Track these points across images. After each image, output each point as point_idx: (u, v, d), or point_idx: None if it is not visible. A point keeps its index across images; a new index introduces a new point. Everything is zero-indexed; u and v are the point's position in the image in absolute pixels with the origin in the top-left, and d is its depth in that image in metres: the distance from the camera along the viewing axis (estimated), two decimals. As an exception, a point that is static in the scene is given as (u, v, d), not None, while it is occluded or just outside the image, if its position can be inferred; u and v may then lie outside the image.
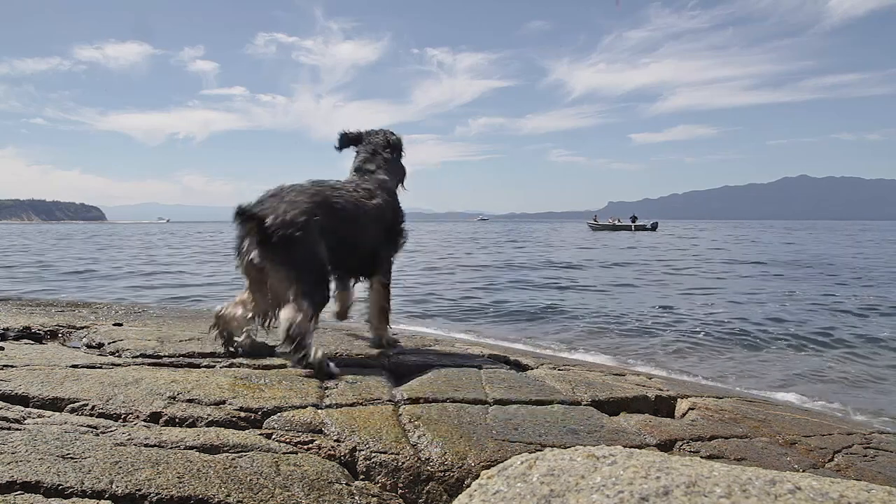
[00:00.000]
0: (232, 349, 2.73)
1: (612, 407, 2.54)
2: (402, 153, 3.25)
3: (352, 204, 2.79)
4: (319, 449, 1.82)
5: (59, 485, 1.38)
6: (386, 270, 3.01)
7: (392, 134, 3.21)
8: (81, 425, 1.75)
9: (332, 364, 2.52)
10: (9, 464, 1.42)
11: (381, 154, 3.12)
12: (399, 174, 3.18)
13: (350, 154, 3.22)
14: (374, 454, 1.81)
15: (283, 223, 2.48)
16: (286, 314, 2.49)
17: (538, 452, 1.39)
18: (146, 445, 1.64)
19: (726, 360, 5.82)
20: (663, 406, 2.72)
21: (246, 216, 2.50)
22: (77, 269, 15.42)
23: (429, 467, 1.79)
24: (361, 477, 1.75)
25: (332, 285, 2.78)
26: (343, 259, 2.76)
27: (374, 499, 1.65)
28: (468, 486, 1.45)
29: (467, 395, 2.39)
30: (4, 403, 1.88)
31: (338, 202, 2.72)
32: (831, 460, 2.24)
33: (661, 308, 9.04)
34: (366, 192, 2.89)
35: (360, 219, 2.80)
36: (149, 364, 2.54)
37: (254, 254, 2.53)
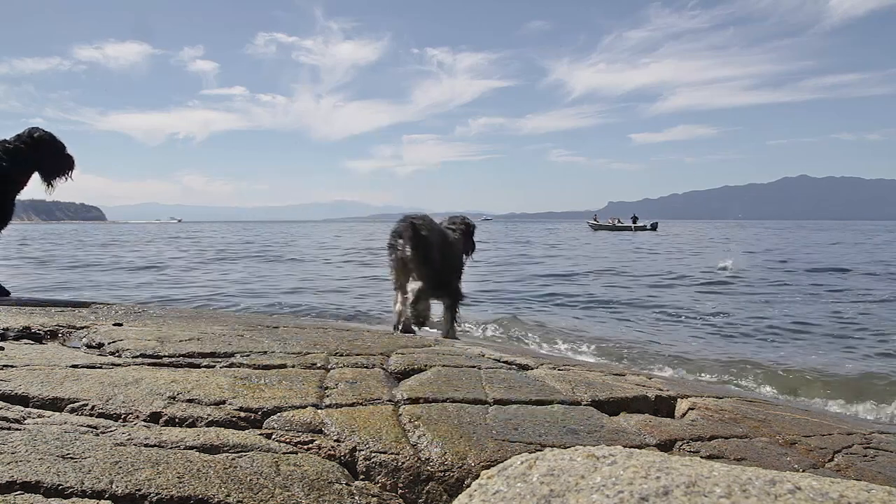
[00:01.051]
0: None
1: (612, 407, 2.54)
2: (473, 235, 4.87)
3: (452, 240, 4.52)
4: (319, 449, 1.82)
5: (59, 485, 1.37)
6: (455, 287, 4.52)
7: (468, 219, 4.84)
8: (81, 425, 1.75)
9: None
10: (9, 464, 1.42)
11: (458, 227, 4.73)
12: (469, 246, 4.77)
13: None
14: (374, 454, 1.81)
15: (427, 232, 4.03)
16: (413, 286, 4.00)
17: (538, 452, 1.39)
18: (146, 445, 1.64)
19: (727, 361, 5.82)
20: (663, 406, 2.72)
21: (410, 225, 3.94)
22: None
23: (429, 467, 1.79)
24: (361, 477, 1.75)
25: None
26: (438, 268, 4.17)
27: (374, 499, 1.65)
28: (468, 486, 1.45)
29: (467, 395, 2.39)
30: (4, 403, 1.88)
31: (447, 235, 4.47)
32: (831, 460, 2.24)
33: (675, 310, 9.04)
34: (453, 238, 4.58)
35: (451, 248, 4.43)
36: (149, 364, 2.54)
37: (407, 248, 3.91)
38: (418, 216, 4.06)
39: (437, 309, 4.54)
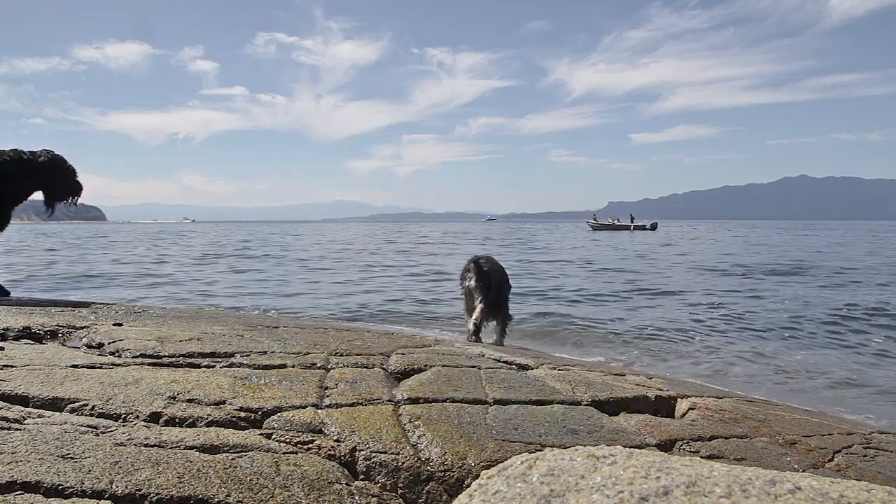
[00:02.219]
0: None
1: (612, 407, 2.54)
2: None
3: (505, 276, 5.39)
4: (319, 449, 1.82)
5: (59, 485, 1.38)
6: (505, 309, 5.34)
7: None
8: (81, 425, 1.75)
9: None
10: (9, 464, 1.42)
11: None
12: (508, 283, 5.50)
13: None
14: (374, 454, 1.81)
15: (489, 269, 5.04)
16: (477, 308, 4.90)
17: (538, 452, 1.39)
18: (146, 445, 1.64)
19: (726, 361, 5.82)
20: (663, 406, 2.72)
21: (475, 262, 5.00)
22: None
23: (429, 467, 1.79)
24: (361, 477, 1.75)
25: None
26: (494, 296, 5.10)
27: (374, 499, 1.65)
28: (468, 486, 1.45)
29: (467, 395, 2.39)
30: (4, 403, 1.88)
31: (503, 270, 5.33)
32: (831, 460, 2.24)
33: (680, 311, 9.04)
34: (505, 275, 5.43)
35: (504, 281, 5.33)
36: (149, 364, 2.54)
37: (472, 281, 4.92)
38: (483, 257, 5.20)
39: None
